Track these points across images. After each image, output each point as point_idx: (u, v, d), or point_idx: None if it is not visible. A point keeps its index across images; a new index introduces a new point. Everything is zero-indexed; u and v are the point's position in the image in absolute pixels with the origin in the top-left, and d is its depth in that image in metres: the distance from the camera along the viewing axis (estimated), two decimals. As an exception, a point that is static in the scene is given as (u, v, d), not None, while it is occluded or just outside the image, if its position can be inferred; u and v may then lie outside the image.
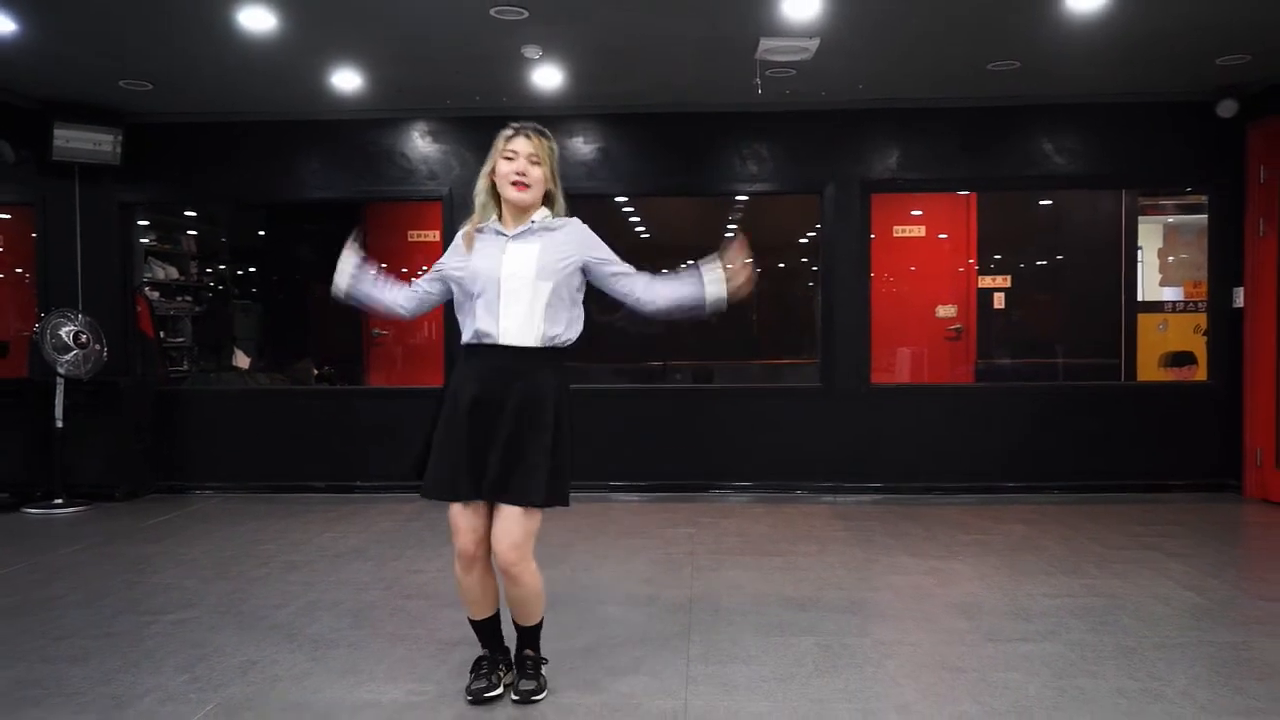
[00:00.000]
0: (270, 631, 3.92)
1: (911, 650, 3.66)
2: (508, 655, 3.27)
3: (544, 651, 3.28)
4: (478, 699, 3.12)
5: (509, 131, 3.09)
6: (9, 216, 7.93)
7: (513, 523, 2.96)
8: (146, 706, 3.14)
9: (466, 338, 3.08)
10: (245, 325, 9.56)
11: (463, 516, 3.03)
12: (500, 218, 3.09)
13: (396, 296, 3.25)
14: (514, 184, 3.03)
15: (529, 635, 3.23)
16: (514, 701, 3.13)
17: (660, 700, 3.17)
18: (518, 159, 3.04)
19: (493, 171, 3.09)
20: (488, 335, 3.00)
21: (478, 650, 3.26)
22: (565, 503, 3.05)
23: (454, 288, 3.11)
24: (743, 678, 3.36)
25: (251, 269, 10.05)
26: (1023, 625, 3.92)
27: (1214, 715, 3.01)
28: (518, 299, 2.98)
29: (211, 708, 3.13)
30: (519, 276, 2.98)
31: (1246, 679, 3.32)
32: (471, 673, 3.21)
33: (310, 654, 3.65)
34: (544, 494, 2.96)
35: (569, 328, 3.07)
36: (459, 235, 3.16)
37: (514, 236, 3.05)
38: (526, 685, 3.15)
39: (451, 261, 3.12)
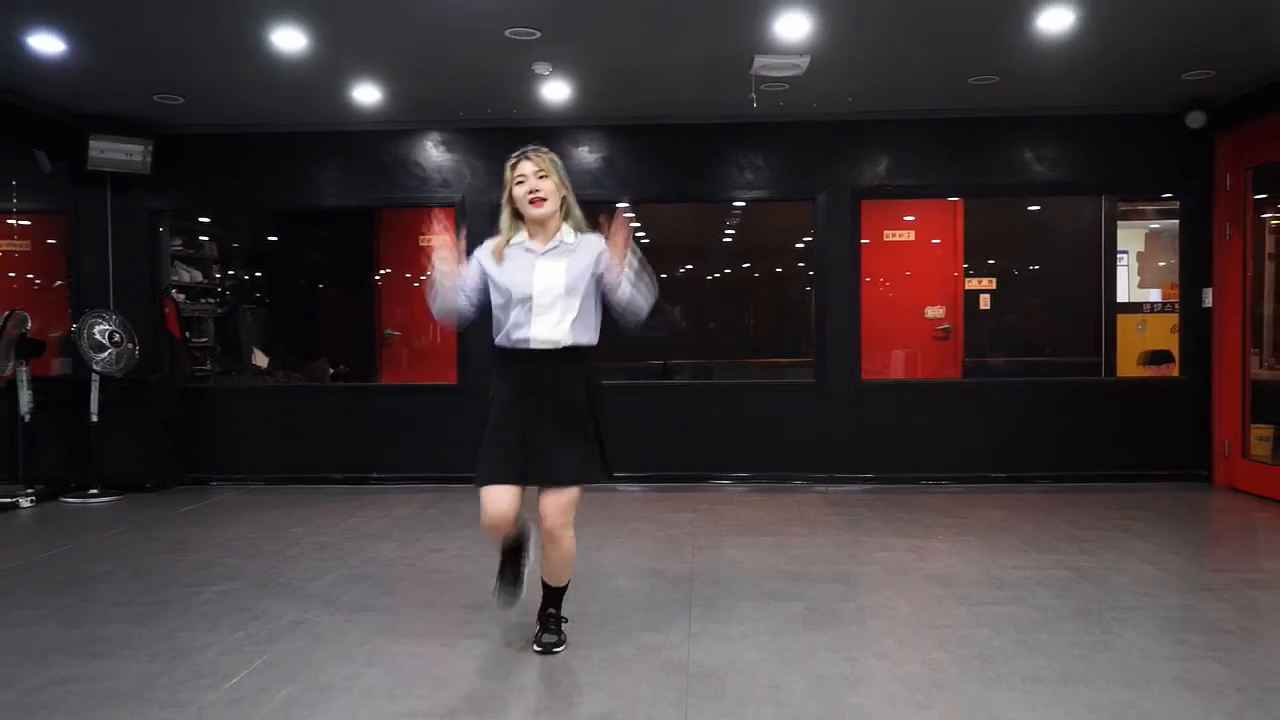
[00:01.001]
0: (309, 599, 4.30)
1: (891, 612, 4.06)
2: (522, 568, 3.60)
3: (562, 613, 3.65)
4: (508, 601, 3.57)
5: (512, 160, 3.42)
6: (29, 223, 8.30)
7: (563, 493, 3.37)
8: (208, 657, 3.53)
9: (500, 341, 3.42)
10: (255, 328, 9.92)
11: (493, 494, 3.33)
12: (530, 234, 3.43)
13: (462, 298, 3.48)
14: (532, 202, 3.37)
15: (555, 596, 3.60)
16: (536, 652, 3.52)
17: (666, 651, 3.56)
18: (527, 180, 3.37)
19: (510, 198, 3.43)
20: (522, 341, 3.35)
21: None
22: (611, 475, 3.52)
23: (491, 290, 3.43)
24: (739, 634, 3.75)
25: (269, 272, 10.42)
26: (994, 592, 4.31)
27: (1155, 661, 3.40)
28: (549, 311, 3.33)
29: (266, 658, 3.51)
30: (550, 291, 3.33)
31: (1189, 633, 3.71)
32: (499, 582, 3.59)
33: (348, 616, 4.04)
34: (603, 472, 3.44)
35: (593, 333, 3.45)
36: (484, 249, 3.46)
37: (543, 254, 3.39)
38: (549, 638, 3.53)
39: (488, 266, 3.43)
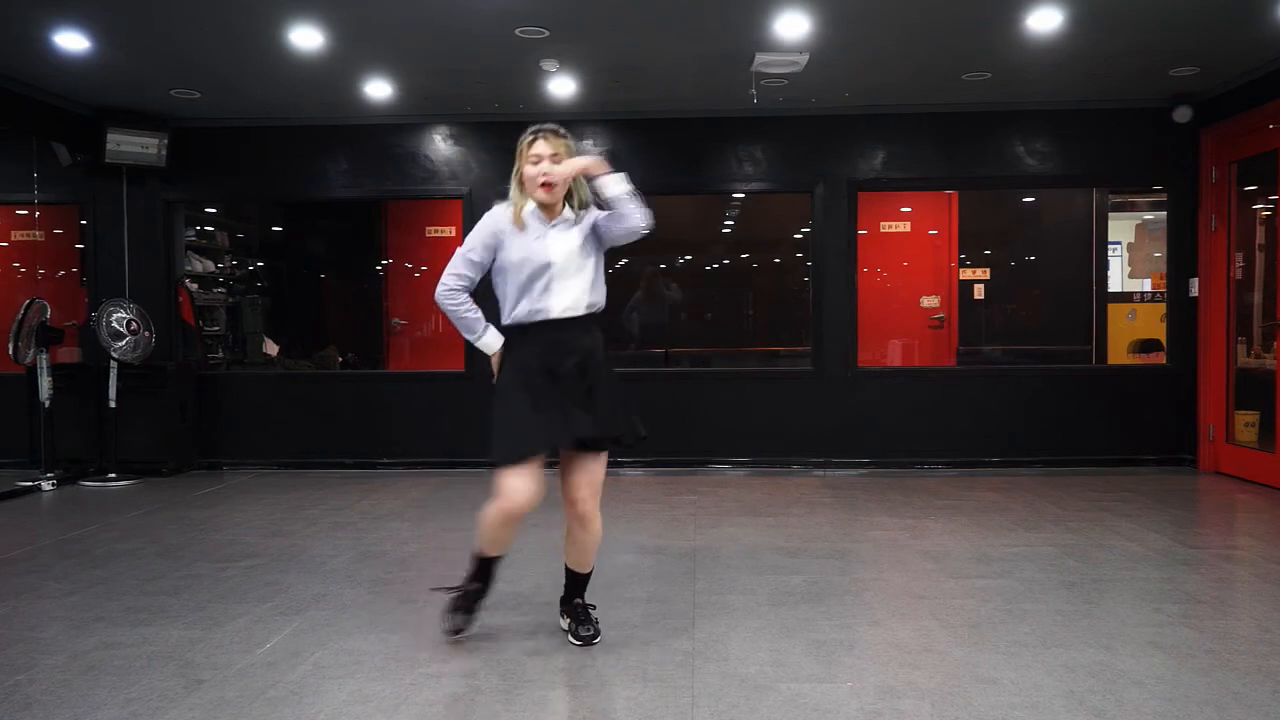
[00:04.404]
0: (331, 574, 4.52)
1: (884, 585, 4.28)
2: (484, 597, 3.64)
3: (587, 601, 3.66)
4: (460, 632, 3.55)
5: (529, 137, 3.39)
6: (39, 214, 8.47)
7: (595, 469, 3.43)
8: (241, 625, 3.75)
9: (518, 317, 3.37)
10: (260, 317, 10.11)
11: (523, 479, 3.29)
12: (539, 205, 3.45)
13: (466, 305, 3.46)
14: (542, 185, 3.40)
15: (583, 583, 3.62)
16: (576, 645, 3.50)
17: (671, 620, 3.78)
18: (541, 162, 3.35)
19: (520, 174, 3.41)
20: (542, 312, 3.38)
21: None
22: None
23: (504, 262, 3.38)
24: (740, 604, 3.98)
25: (278, 262, 10.62)
26: (982, 567, 4.53)
27: (1132, 627, 3.63)
28: (567, 277, 3.39)
29: (295, 626, 3.73)
30: (568, 259, 3.39)
31: (1165, 603, 3.93)
32: (462, 612, 3.57)
33: (369, 589, 4.26)
34: (639, 428, 3.46)
35: (602, 295, 3.52)
36: (500, 215, 3.40)
37: (553, 226, 3.43)
38: (586, 631, 3.53)
39: (484, 249, 3.38)
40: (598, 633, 3.55)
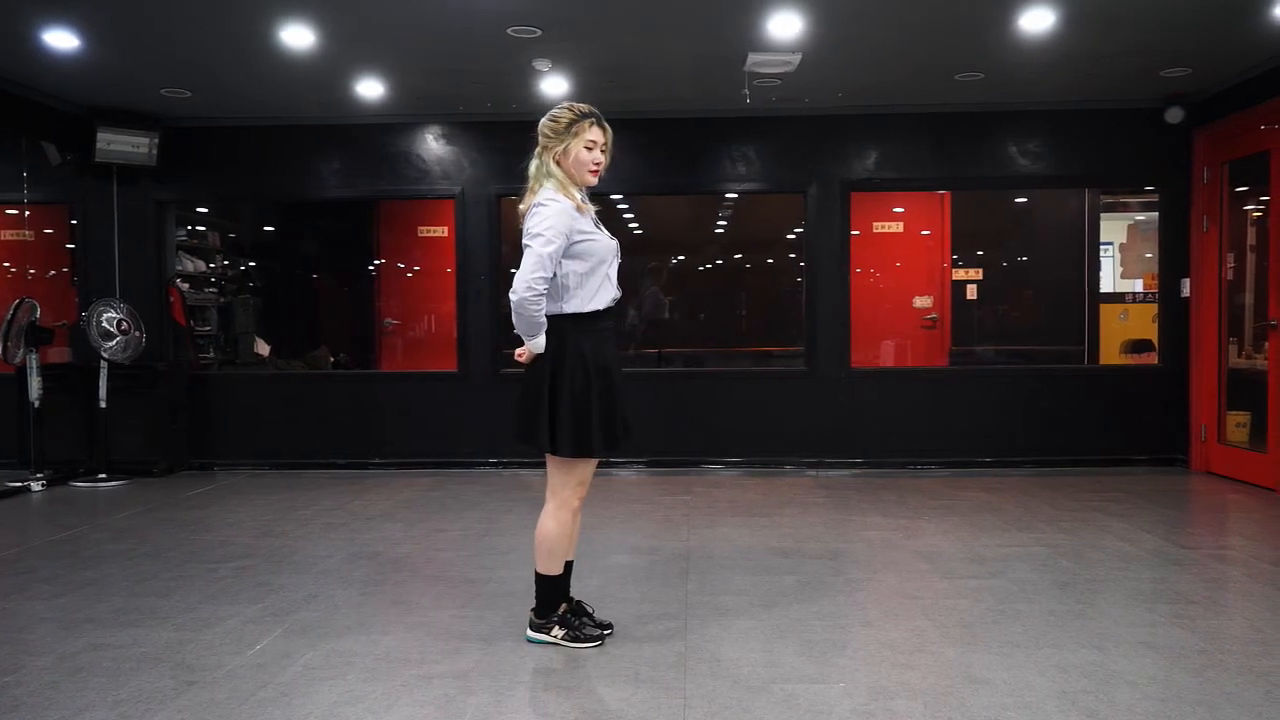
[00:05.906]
0: (322, 575, 4.50)
1: (877, 585, 4.28)
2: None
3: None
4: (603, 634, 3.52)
5: (587, 119, 3.32)
6: (30, 213, 8.43)
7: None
8: (232, 626, 3.73)
9: (597, 305, 3.32)
10: (253, 317, 10.08)
11: (591, 469, 3.44)
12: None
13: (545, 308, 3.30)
14: (593, 172, 3.34)
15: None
16: (608, 635, 3.55)
17: (664, 621, 3.76)
18: (595, 149, 3.33)
19: (565, 154, 3.32)
20: (616, 299, 3.41)
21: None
22: None
23: (583, 251, 3.28)
24: (733, 604, 3.97)
25: (269, 262, 10.58)
26: (975, 567, 4.53)
27: (1125, 627, 3.63)
28: (617, 266, 3.43)
29: (286, 627, 3.71)
30: (617, 247, 3.44)
31: (1158, 603, 3.94)
32: (576, 626, 3.48)
33: (361, 590, 4.24)
34: None
35: None
36: (566, 204, 3.24)
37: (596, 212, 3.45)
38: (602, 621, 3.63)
39: (563, 243, 3.22)
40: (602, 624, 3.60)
